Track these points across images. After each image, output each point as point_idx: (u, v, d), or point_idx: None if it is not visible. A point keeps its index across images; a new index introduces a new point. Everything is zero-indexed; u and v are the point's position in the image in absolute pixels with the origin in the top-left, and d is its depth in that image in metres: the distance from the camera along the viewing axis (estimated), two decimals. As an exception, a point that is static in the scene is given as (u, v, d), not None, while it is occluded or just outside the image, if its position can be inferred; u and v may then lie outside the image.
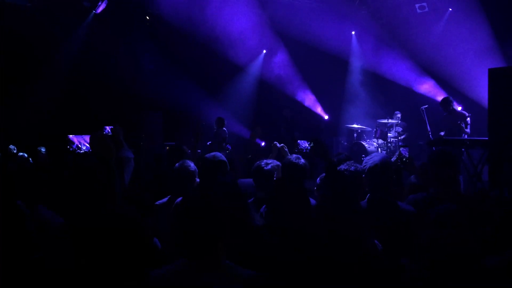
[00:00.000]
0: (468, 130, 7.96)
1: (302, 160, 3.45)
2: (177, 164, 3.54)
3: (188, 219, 1.96)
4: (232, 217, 2.35)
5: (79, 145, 7.26)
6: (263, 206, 2.92)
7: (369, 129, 11.12)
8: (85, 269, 1.99)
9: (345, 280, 2.20)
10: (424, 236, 2.11)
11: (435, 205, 2.46)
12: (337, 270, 2.21)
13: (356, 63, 12.38)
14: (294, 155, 3.55)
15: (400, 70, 11.37)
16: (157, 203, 3.50)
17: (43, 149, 8.30)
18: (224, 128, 10.66)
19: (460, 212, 2.24)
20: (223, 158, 3.62)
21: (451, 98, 8.31)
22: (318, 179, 3.56)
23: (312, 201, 3.03)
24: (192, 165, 3.53)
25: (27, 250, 2.47)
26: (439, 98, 10.33)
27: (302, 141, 7.41)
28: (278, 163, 3.71)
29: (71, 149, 7.14)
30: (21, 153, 8.07)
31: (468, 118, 7.96)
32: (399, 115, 10.52)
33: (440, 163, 3.16)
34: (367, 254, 2.32)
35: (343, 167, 3.20)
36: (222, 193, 2.53)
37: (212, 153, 3.66)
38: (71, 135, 7.45)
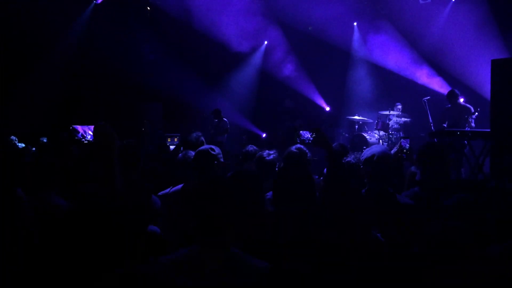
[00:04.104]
0: (473, 124, 7.93)
1: (301, 148, 3.48)
2: (180, 155, 3.56)
3: (198, 206, 1.99)
4: (247, 204, 2.39)
5: (84, 134, 7.31)
6: (269, 193, 2.96)
7: (370, 120, 11.09)
8: (85, 254, 2.02)
9: (349, 271, 2.21)
10: (434, 227, 2.12)
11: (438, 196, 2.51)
12: (341, 259, 2.22)
13: (358, 54, 12.33)
14: (294, 146, 3.59)
15: (402, 62, 11.31)
16: (160, 193, 3.51)
17: (45, 140, 8.31)
18: (225, 119, 10.65)
19: (472, 201, 2.25)
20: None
21: (457, 92, 8.27)
22: (325, 169, 3.57)
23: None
24: None
25: (25, 236, 2.49)
26: (441, 89, 10.33)
27: (304, 131, 7.43)
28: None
29: (76, 138, 7.19)
30: (21, 144, 8.08)
31: (476, 113, 7.88)
32: (399, 107, 10.51)
33: (426, 156, 3.28)
34: (369, 244, 2.33)
35: (349, 159, 3.26)
36: (240, 181, 2.58)
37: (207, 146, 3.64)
38: (75, 125, 7.51)
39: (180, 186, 3.48)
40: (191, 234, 2.04)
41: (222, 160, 3.45)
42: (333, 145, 4.11)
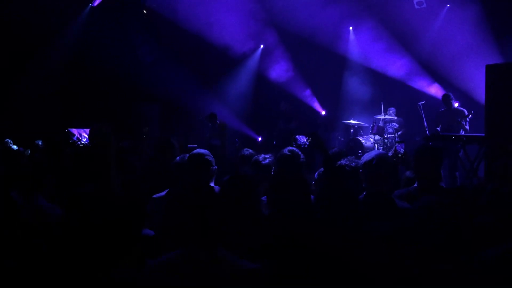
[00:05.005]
0: (467, 127, 8.01)
1: (294, 150, 3.50)
2: (177, 158, 3.56)
3: (184, 210, 1.99)
4: (242, 207, 2.39)
5: (79, 137, 7.29)
6: (265, 197, 2.97)
7: (366, 124, 11.13)
8: (81, 257, 2.01)
9: (344, 274, 2.21)
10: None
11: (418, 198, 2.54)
12: (336, 263, 2.22)
13: (353, 59, 12.36)
14: (287, 148, 3.61)
15: (397, 66, 11.37)
16: (154, 196, 3.50)
17: (40, 143, 8.27)
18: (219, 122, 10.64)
19: (441, 204, 2.26)
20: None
21: (451, 95, 8.39)
22: (316, 173, 3.59)
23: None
24: None
25: (22, 239, 2.48)
26: (436, 94, 10.39)
27: (300, 136, 7.44)
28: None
29: (71, 141, 7.17)
30: (15, 147, 8.04)
31: (470, 116, 7.98)
32: (391, 111, 10.52)
33: (422, 158, 3.34)
34: (365, 247, 2.34)
35: (343, 162, 3.27)
36: (236, 184, 2.59)
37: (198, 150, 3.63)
38: (71, 128, 7.49)
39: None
40: (181, 236, 2.04)
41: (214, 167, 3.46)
42: (332, 150, 4.13)
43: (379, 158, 3.02)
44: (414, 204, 2.30)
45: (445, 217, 2.12)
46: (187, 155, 3.60)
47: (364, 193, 3.07)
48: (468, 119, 8.00)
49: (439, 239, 2.08)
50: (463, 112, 8.13)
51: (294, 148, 3.62)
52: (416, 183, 3.42)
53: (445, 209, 2.12)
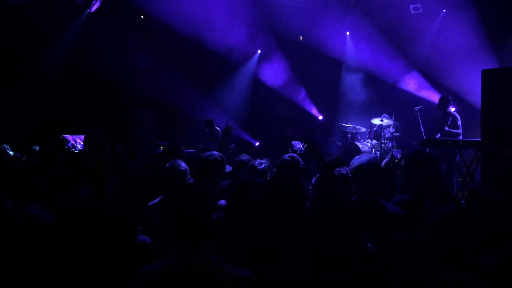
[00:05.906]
0: (460, 131, 8.00)
1: (294, 157, 3.50)
2: (168, 164, 3.55)
3: (175, 214, 1.98)
4: (244, 213, 2.39)
5: (74, 144, 7.24)
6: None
7: (363, 129, 11.16)
8: (74, 265, 2.00)
9: (340, 279, 2.21)
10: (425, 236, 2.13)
11: (422, 206, 2.54)
12: (330, 268, 2.22)
13: (350, 64, 12.41)
14: (287, 154, 3.62)
15: (394, 71, 11.41)
16: (150, 204, 3.50)
17: (37, 148, 8.23)
18: (217, 128, 10.65)
19: (459, 212, 2.26)
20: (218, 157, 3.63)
21: (450, 98, 8.34)
22: (314, 179, 3.59)
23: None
24: (182, 164, 3.54)
25: (13, 248, 2.46)
26: (433, 99, 10.41)
27: (296, 142, 7.45)
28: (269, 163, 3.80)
29: (65, 147, 7.12)
30: (12, 153, 8.01)
31: (451, 118, 7.97)
32: (386, 116, 10.50)
33: (416, 164, 3.28)
34: (359, 253, 2.34)
35: (339, 169, 3.28)
36: (238, 188, 2.59)
37: (208, 153, 3.68)
38: (65, 134, 7.45)
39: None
40: (175, 243, 2.03)
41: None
42: (331, 157, 4.14)
43: (368, 164, 3.00)
44: (435, 213, 2.28)
45: (464, 225, 2.13)
46: (178, 160, 3.60)
47: (354, 197, 3.06)
48: (459, 122, 7.99)
49: (452, 247, 2.08)
50: (454, 116, 8.12)
51: (294, 154, 3.63)
52: (415, 190, 3.36)
53: (462, 218, 2.13)
